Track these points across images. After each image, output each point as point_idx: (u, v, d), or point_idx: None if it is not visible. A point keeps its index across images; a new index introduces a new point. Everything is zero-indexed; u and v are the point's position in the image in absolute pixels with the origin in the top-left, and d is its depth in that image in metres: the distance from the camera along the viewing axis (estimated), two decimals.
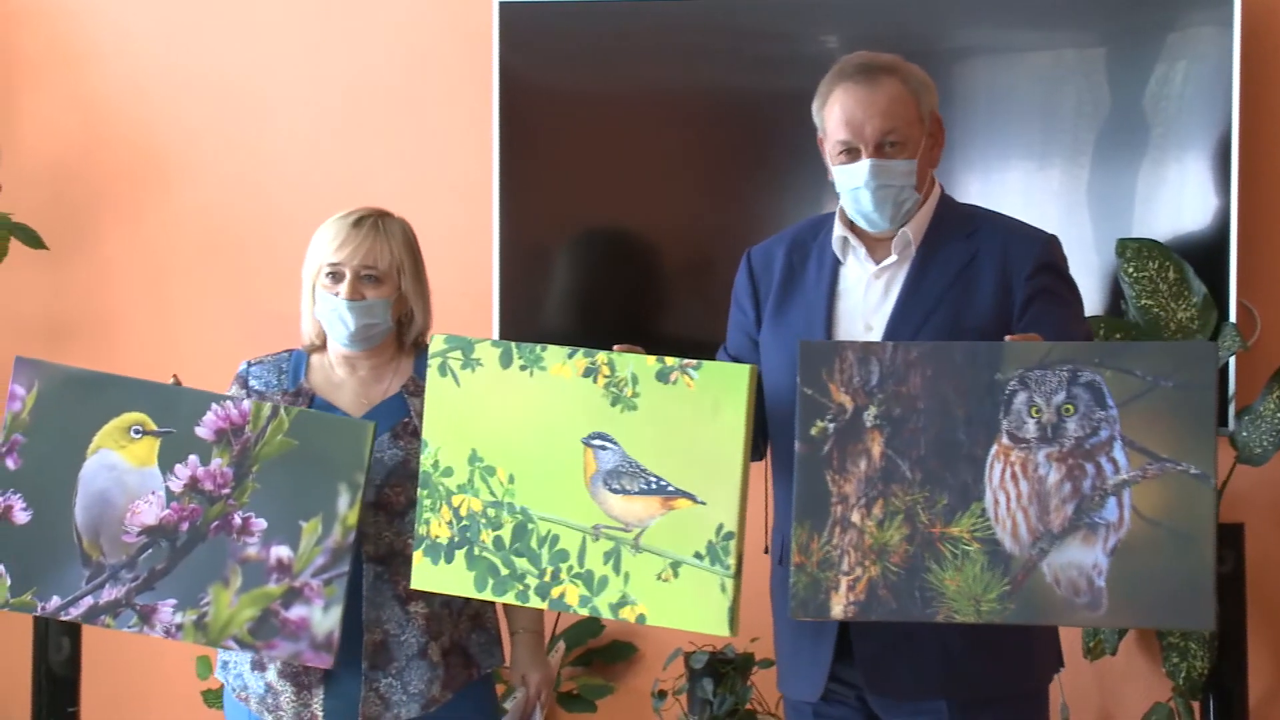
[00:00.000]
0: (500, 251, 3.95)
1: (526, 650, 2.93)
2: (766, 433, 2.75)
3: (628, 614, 2.57)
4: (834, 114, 2.67)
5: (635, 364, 2.59)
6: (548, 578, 2.62)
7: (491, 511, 2.65)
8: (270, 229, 4.13)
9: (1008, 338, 2.47)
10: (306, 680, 2.78)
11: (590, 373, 2.61)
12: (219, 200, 4.25)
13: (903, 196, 2.67)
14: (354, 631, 2.77)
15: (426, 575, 2.69)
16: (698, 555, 2.53)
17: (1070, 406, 2.39)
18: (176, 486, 2.70)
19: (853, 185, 2.66)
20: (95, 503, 2.71)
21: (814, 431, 2.47)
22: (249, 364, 2.94)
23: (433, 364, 2.69)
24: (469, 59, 4.01)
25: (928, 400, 2.44)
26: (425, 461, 2.69)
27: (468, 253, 3.96)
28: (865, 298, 2.70)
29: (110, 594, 2.70)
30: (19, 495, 2.72)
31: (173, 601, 2.69)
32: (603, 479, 2.59)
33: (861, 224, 2.70)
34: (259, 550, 2.68)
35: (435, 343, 2.70)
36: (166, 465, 2.70)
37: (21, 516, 2.72)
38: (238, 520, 2.69)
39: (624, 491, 2.58)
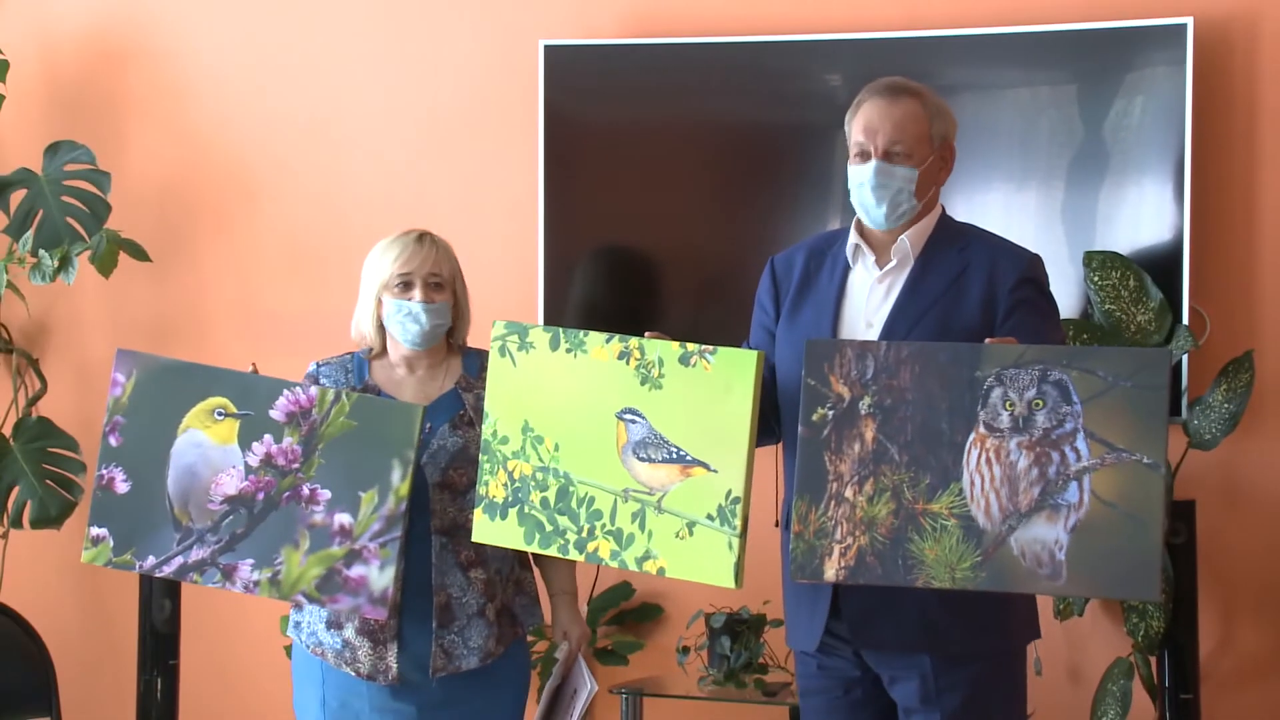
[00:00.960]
0: (544, 264, 4.06)
1: (566, 610, 3.08)
2: (777, 416, 2.83)
3: (650, 566, 2.69)
4: (857, 121, 2.79)
5: (661, 349, 2.70)
6: (584, 534, 2.73)
7: (540, 475, 2.76)
8: (346, 244, 4.12)
9: (987, 340, 2.57)
10: (382, 636, 2.91)
11: (624, 356, 2.72)
12: (301, 218, 4.39)
13: (900, 199, 2.77)
14: (424, 594, 2.92)
15: (485, 530, 2.82)
16: (709, 517, 2.64)
17: (1040, 401, 2.49)
18: (254, 461, 2.81)
19: (859, 181, 2.77)
20: (184, 475, 2.83)
21: (815, 418, 2.60)
22: (318, 364, 3.05)
23: (494, 347, 2.80)
24: (518, 95, 4.13)
25: (915, 393, 2.55)
26: (486, 430, 2.80)
27: (516, 264, 4.11)
28: (868, 299, 2.80)
29: (197, 554, 2.82)
30: (120, 468, 2.85)
31: (251, 561, 2.80)
32: (632, 449, 2.70)
33: (863, 217, 2.81)
34: (324, 517, 2.79)
35: (496, 328, 2.81)
36: (245, 443, 2.82)
37: (122, 487, 2.85)
38: (305, 491, 2.80)
39: (650, 460, 2.69)
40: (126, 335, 4.49)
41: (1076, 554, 2.46)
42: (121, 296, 4.49)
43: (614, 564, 2.73)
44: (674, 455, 2.68)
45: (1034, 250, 2.88)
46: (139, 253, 4.27)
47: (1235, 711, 3.79)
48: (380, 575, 2.77)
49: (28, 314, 4.52)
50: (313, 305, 4.32)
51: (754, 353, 2.64)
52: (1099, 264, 3.63)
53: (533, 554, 3.08)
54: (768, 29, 4.00)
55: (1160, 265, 3.70)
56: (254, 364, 2.95)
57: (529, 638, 3.18)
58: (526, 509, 2.77)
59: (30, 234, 4.27)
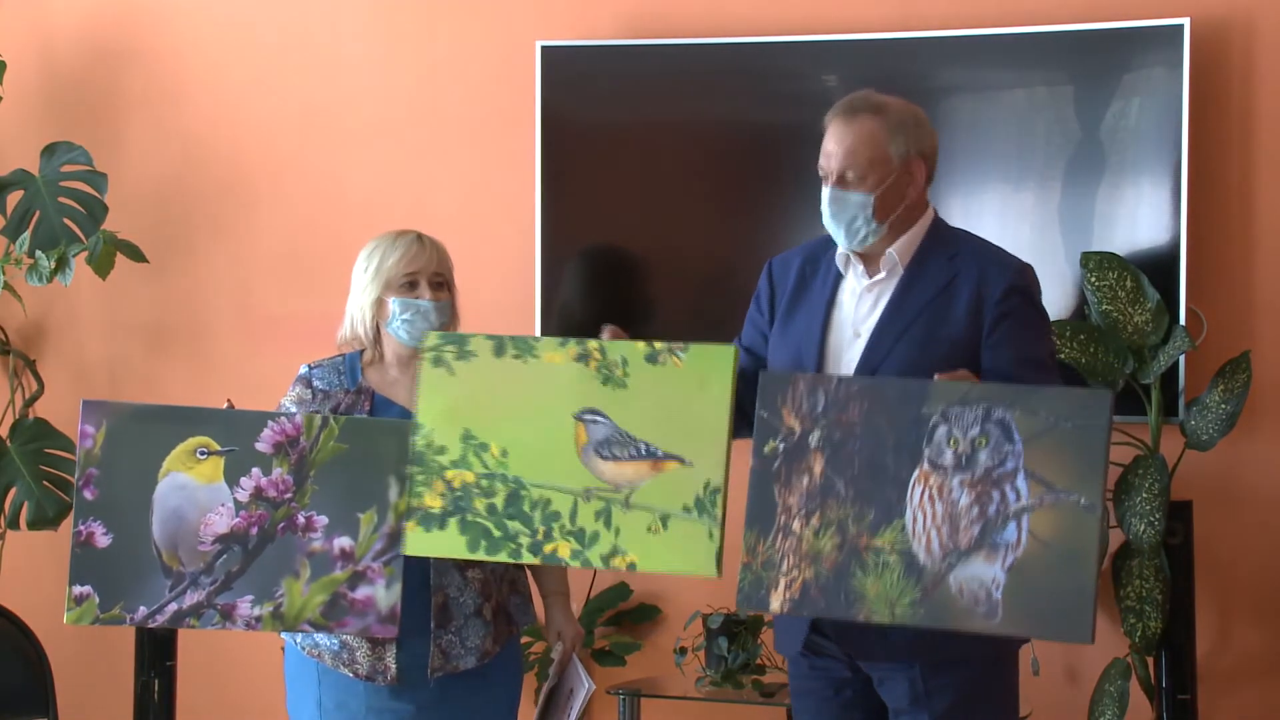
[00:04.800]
0: (541, 264, 4.07)
1: (559, 611, 3.08)
2: (746, 412, 2.78)
3: (618, 563, 2.67)
4: (824, 141, 2.80)
5: (625, 349, 2.69)
6: (540, 536, 2.69)
7: (485, 482, 2.71)
8: (343, 245, 3.88)
9: (936, 376, 2.56)
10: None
11: (582, 358, 2.70)
12: (298, 219, 4.40)
13: (856, 225, 2.75)
14: (421, 594, 2.91)
15: (419, 541, 2.74)
16: (686, 509, 2.64)
17: (983, 439, 2.49)
18: (243, 497, 2.77)
19: (822, 204, 2.79)
20: (170, 519, 2.77)
21: (766, 450, 2.61)
22: (310, 366, 3.02)
23: (426, 358, 2.75)
24: (515, 96, 4.13)
25: (863, 428, 2.55)
26: (418, 442, 2.74)
27: (513, 265, 4.11)
28: (857, 308, 2.80)
29: (192, 598, 2.77)
30: (99, 522, 2.77)
31: (250, 597, 2.76)
32: (594, 448, 2.68)
33: (834, 239, 2.81)
34: (323, 543, 2.77)
35: (429, 339, 2.78)
36: (232, 479, 2.77)
37: (103, 540, 2.77)
38: (301, 520, 2.77)
39: (614, 458, 2.67)
40: (124, 336, 4.54)
41: (1012, 593, 2.46)
42: (118, 298, 4.50)
43: (575, 563, 2.71)
44: (643, 452, 2.68)
45: (1030, 252, 2.89)
46: (136, 254, 4.28)
47: (1233, 712, 3.80)
48: (388, 593, 2.77)
49: (25, 315, 4.52)
50: (310, 306, 4.30)
51: (730, 347, 2.66)
52: (1096, 264, 3.64)
53: None
54: (764, 30, 4.01)
55: (1157, 266, 3.71)
56: (229, 400, 2.92)
57: (523, 638, 3.20)
58: (469, 517, 2.73)
59: (27, 235, 4.28)
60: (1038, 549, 2.45)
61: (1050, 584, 2.44)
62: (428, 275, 2.97)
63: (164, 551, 2.77)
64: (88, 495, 2.78)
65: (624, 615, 4.12)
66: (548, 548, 2.71)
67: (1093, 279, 3.64)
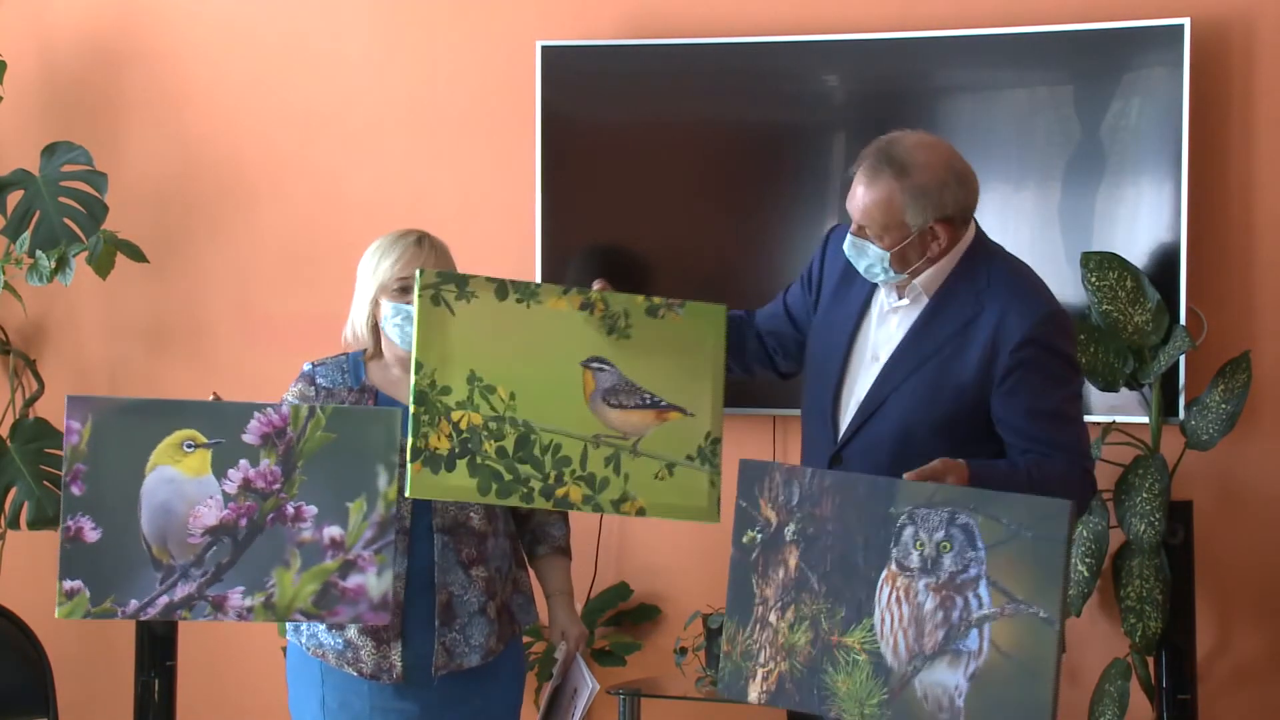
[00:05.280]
0: (541, 264, 4.08)
1: (563, 610, 3.08)
2: (746, 361, 2.96)
3: (629, 508, 2.74)
4: (852, 183, 2.77)
5: (626, 302, 2.76)
6: (551, 480, 2.72)
7: (494, 425, 2.72)
8: (343, 245, 3.99)
9: (905, 475, 2.55)
10: (385, 636, 2.92)
11: (586, 307, 2.75)
12: (298, 219, 4.41)
13: (874, 270, 2.76)
14: (426, 592, 2.93)
15: (425, 483, 2.73)
16: (689, 458, 2.75)
17: (947, 544, 2.49)
18: (231, 489, 2.77)
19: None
20: (159, 513, 2.76)
21: (745, 540, 2.65)
22: (313, 364, 3.03)
23: (424, 295, 2.73)
24: (515, 96, 4.15)
25: (835, 523, 2.57)
26: (420, 381, 2.72)
27: (513, 265, 4.06)
28: (879, 329, 2.81)
29: (183, 590, 2.76)
30: (87, 517, 2.75)
31: (240, 588, 2.77)
32: (601, 395, 2.74)
33: None
34: (313, 533, 2.77)
35: (425, 276, 2.74)
36: (220, 472, 2.77)
37: (92, 535, 2.75)
38: (290, 510, 2.78)
39: (621, 406, 2.75)
40: (124, 336, 4.55)
41: (974, 702, 2.46)
42: (119, 297, 4.51)
43: (586, 508, 2.74)
44: (648, 401, 2.75)
45: (1030, 252, 2.88)
46: (136, 254, 4.29)
47: (1232, 712, 3.81)
48: (379, 581, 2.79)
49: (25, 315, 4.54)
50: (310, 306, 4.34)
51: (721, 307, 2.78)
52: (1096, 264, 3.64)
53: (527, 555, 3.10)
54: (764, 30, 4.02)
55: (1158, 266, 3.72)
56: (215, 393, 2.94)
57: (525, 638, 3.19)
58: (479, 459, 2.73)
59: (27, 235, 4.29)
60: (998, 660, 2.45)
61: (1010, 696, 2.43)
62: None
63: (153, 545, 2.77)
64: (75, 491, 2.76)
65: (624, 615, 4.13)
66: (559, 492, 2.74)
67: (1093, 279, 3.64)
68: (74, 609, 2.75)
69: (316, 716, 3.00)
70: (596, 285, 2.81)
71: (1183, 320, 3.69)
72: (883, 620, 2.52)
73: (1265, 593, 3.81)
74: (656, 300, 2.75)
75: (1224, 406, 3.61)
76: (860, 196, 2.73)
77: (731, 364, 2.91)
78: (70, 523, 2.76)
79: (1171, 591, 3.58)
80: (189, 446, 2.77)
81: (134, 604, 2.77)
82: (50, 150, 4.37)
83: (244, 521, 2.77)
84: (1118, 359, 3.64)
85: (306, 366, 3.04)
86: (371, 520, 2.78)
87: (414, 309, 2.74)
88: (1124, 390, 3.68)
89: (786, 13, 4.02)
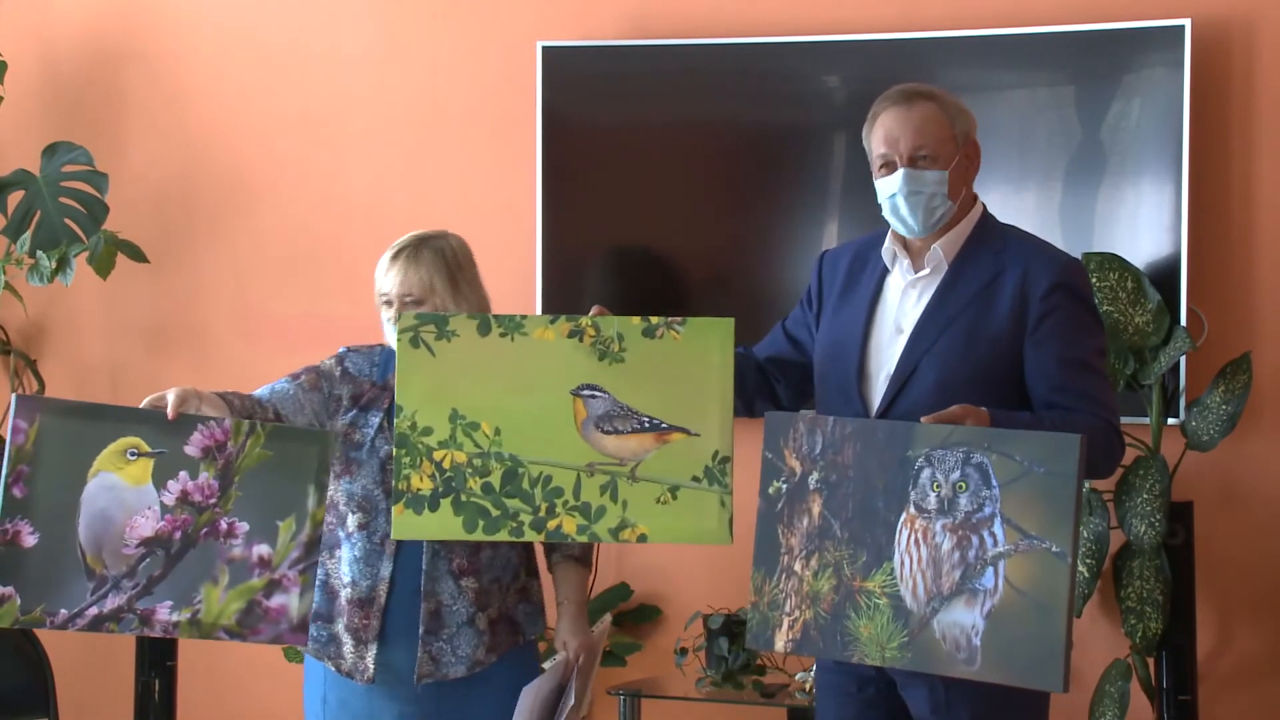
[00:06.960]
0: (542, 264, 4.09)
1: (568, 619, 3.02)
2: (747, 393, 2.89)
3: (628, 535, 2.69)
4: (877, 133, 2.77)
5: (620, 324, 2.71)
6: (542, 512, 2.70)
7: (478, 461, 2.70)
8: (344, 245, 4.28)
9: (922, 419, 2.56)
10: (364, 636, 2.91)
11: (575, 334, 2.72)
12: (299, 220, 4.41)
13: (934, 203, 2.75)
14: (413, 599, 2.91)
15: (409, 525, 2.72)
16: (695, 479, 2.69)
17: (963, 484, 2.50)
18: (169, 500, 2.73)
19: (890, 193, 2.75)
20: (97, 520, 2.71)
21: (771, 490, 2.66)
22: (348, 349, 3.01)
23: (404, 339, 2.72)
24: (516, 97, 4.16)
25: (856, 470, 2.58)
26: (401, 424, 2.71)
27: (514, 265, 4.08)
28: (901, 303, 2.80)
29: (113, 602, 2.71)
30: (26, 521, 2.69)
31: (169, 603, 2.72)
32: (594, 422, 2.70)
33: (899, 229, 2.79)
34: (243, 550, 2.75)
35: (404, 319, 2.73)
36: (160, 482, 2.73)
37: (29, 540, 2.69)
38: (224, 525, 2.74)
39: (617, 432, 2.70)
40: (124, 336, 4.55)
41: (990, 640, 2.49)
42: (119, 298, 4.52)
43: (582, 538, 2.72)
44: (646, 424, 2.71)
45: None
46: (137, 254, 4.30)
47: (1233, 712, 3.81)
48: (300, 602, 2.77)
49: (25, 315, 4.55)
50: (310, 306, 4.35)
51: (728, 320, 2.72)
52: (1097, 265, 3.63)
53: (546, 561, 3.07)
54: (765, 30, 4.02)
55: (1158, 266, 3.73)
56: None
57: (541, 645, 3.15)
58: (464, 497, 2.72)
59: (28, 235, 4.29)
60: (1013, 597, 2.47)
61: (1025, 633, 2.46)
62: (397, 295, 2.93)
63: (88, 553, 2.72)
64: (16, 493, 2.70)
65: (624, 615, 4.12)
66: (551, 523, 2.71)
67: (1094, 279, 3.62)
68: (3, 615, 2.69)
69: (318, 715, 3.00)
70: (594, 312, 2.79)
71: (1183, 321, 3.69)
72: (902, 563, 2.54)
73: (1265, 593, 3.80)
74: (654, 320, 2.72)
75: (1224, 407, 3.61)
76: (905, 123, 2.75)
77: (736, 401, 2.85)
78: (8, 525, 2.69)
79: (1172, 592, 3.57)
80: (132, 454, 2.73)
81: (63, 614, 2.71)
82: (51, 150, 4.38)
83: (178, 534, 2.74)
84: (1118, 360, 3.64)
85: (342, 349, 3.04)
86: (299, 540, 2.77)
87: (396, 353, 2.74)
88: (1125, 391, 3.68)
89: (786, 13, 4.03)
